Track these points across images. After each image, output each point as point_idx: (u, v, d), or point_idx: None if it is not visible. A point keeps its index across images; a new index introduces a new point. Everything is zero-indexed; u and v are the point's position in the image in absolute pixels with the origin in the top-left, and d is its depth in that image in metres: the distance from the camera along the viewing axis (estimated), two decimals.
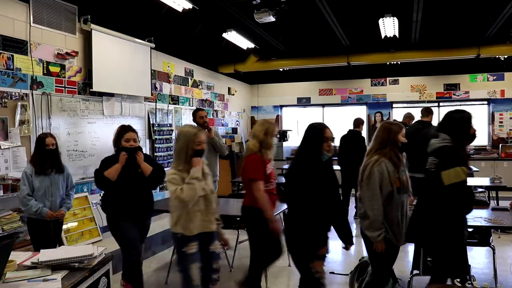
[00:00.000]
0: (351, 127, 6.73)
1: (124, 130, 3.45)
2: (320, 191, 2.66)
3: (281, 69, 9.85)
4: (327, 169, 2.76)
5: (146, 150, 7.01)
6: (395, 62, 9.22)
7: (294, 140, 11.22)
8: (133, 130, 3.49)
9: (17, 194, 4.46)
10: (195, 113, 5.19)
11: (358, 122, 6.71)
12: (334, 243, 2.93)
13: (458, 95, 10.27)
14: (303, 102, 11.54)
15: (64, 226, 5.32)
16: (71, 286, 2.01)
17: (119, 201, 3.40)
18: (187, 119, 8.41)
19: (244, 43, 8.03)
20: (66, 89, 5.53)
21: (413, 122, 6.21)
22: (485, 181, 6.06)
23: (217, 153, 5.23)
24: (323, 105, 11.49)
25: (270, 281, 4.14)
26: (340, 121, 11.24)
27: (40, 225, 3.67)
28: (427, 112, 5.70)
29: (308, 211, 2.65)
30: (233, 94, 10.69)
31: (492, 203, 5.75)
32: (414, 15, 6.53)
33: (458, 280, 1.84)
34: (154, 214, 3.71)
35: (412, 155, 5.68)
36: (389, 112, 10.81)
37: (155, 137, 7.29)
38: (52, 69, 5.33)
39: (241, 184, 8.46)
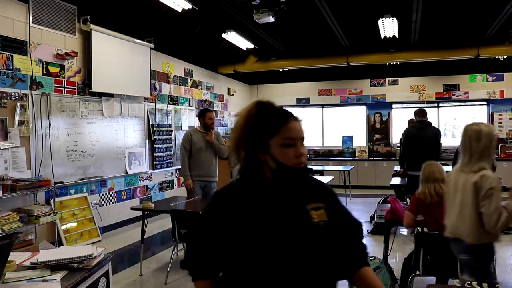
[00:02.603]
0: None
1: (283, 117, 1.42)
2: None
3: (280, 70, 9.84)
4: None
5: (146, 150, 7.01)
6: (394, 63, 9.22)
7: None
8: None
9: (16, 195, 4.48)
10: (204, 113, 5.14)
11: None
12: None
13: (458, 96, 10.27)
14: (303, 102, 11.54)
15: (64, 227, 5.34)
16: (70, 286, 2.00)
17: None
18: (186, 119, 8.41)
19: (244, 43, 8.03)
20: (65, 89, 5.53)
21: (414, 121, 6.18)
22: None
23: (217, 154, 5.23)
24: (322, 106, 11.49)
25: None
26: (339, 121, 11.29)
27: None
28: (422, 113, 5.81)
29: None
30: (233, 95, 10.69)
31: None
32: (413, 15, 6.53)
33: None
34: None
35: (413, 154, 5.76)
36: (389, 113, 10.82)
37: (155, 137, 7.27)
38: (52, 69, 5.33)
39: None
